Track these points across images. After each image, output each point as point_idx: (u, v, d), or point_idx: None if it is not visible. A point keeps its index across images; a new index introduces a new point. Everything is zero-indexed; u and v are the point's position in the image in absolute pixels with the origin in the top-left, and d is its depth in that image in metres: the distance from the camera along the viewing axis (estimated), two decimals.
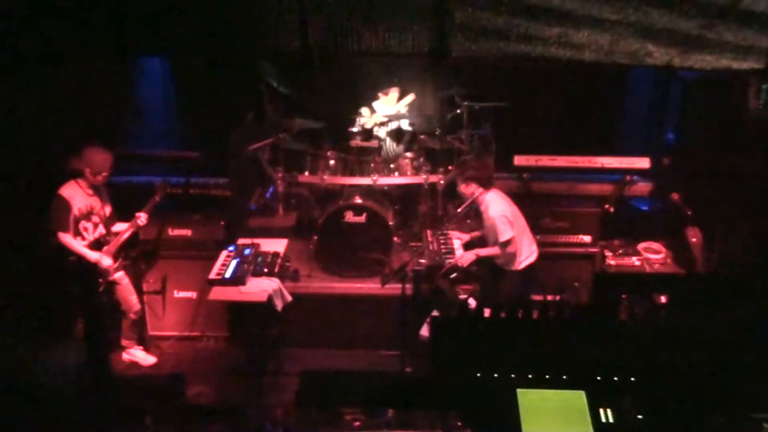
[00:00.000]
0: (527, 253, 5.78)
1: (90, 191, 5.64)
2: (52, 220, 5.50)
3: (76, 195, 5.55)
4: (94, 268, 5.57)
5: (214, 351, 6.45)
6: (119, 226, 5.82)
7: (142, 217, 5.76)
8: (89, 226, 5.64)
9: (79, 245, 5.56)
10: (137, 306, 6.02)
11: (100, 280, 5.62)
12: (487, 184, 5.76)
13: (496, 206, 5.66)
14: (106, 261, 5.63)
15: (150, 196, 5.86)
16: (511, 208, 5.74)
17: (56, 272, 5.64)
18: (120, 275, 5.85)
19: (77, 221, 5.56)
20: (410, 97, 7.62)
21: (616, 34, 5.32)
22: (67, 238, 5.51)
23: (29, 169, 6.20)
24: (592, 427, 3.30)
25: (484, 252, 5.83)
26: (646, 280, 6.21)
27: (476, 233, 6.17)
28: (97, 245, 5.69)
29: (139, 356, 6.16)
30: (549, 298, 6.05)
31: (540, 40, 5.36)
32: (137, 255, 6.15)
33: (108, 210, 5.81)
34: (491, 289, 5.92)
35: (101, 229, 5.73)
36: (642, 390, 3.45)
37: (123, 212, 5.93)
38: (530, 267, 5.81)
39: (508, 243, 5.64)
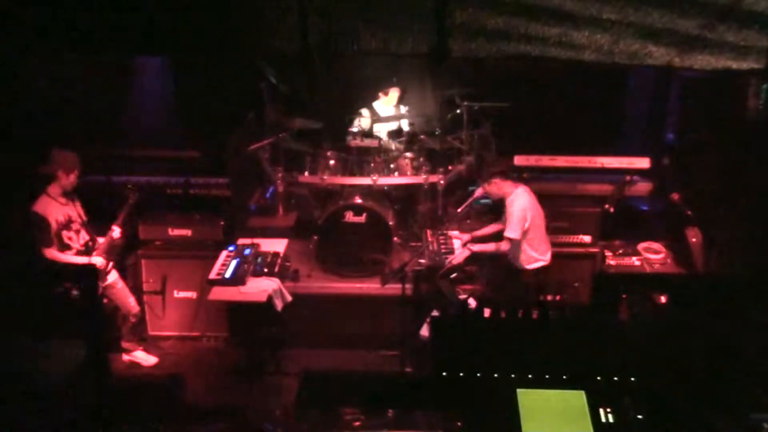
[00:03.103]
0: (540, 254, 5.78)
1: (63, 200, 5.55)
2: (33, 238, 5.46)
3: (50, 207, 5.47)
4: (89, 268, 5.55)
5: (214, 351, 6.45)
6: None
7: (116, 231, 5.71)
8: (72, 234, 5.59)
9: (65, 256, 5.50)
10: (136, 308, 6.02)
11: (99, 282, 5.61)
12: (508, 175, 5.78)
13: (521, 202, 5.67)
14: (97, 261, 5.60)
15: (125, 200, 5.87)
16: (535, 208, 5.75)
17: (54, 272, 5.63)
18: (114, 279, 5.84)
19: (59, 233, 5.49)
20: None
21: (616, 34, 5.32)
22: (51, 253, 5.45)
23: (27, 168, 6.19)
24: (592, 427, 3.29)
25: (476, 248, 5.83)
26: (646, 280, 6.20)
27: (476, 233, 6.17)
28: (85, 252, 5.66)
29: (140, 356, 6.16)
30: (549, 298, 6.06)
31: (540, 40, 5.36)
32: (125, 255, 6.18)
33: (83, 215, 5.74)
34: (499, 288, 5.93)
35: (84, 235, 5.69)
36: (642, 390, 3.45)
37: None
38: (540, 270, 5.81)
39: (509, 241, 5.65)
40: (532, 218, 5.70)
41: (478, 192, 6.04)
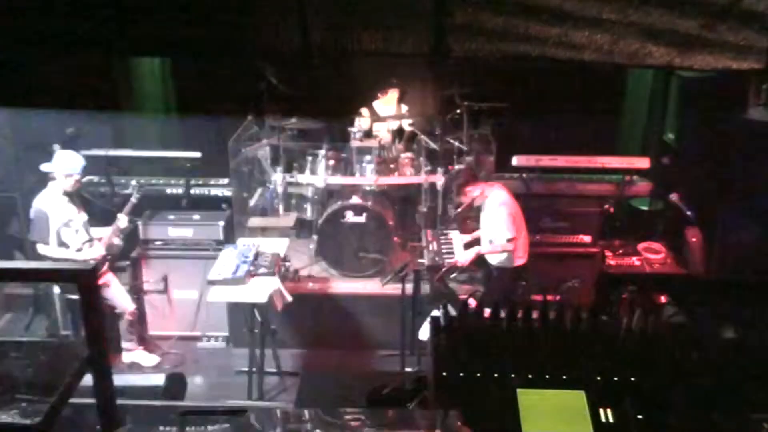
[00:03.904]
0: (522, 252, 5.80)
1: (64, 198, 5.57)
2: (31, 232, 5.47)
3: (52, 204, 5.49)
4: (88, 268, 5.54)
5: (214, 351, 6.45)
6: (99, 231, 5.79)
7: (122, 219, 5.74)
8: (71, 233, 5.60)
9: (59, 252, 5.50)
10: (132, 306, 6.03)
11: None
12: (477, 177, 5.80)
13: (503, 203, 5.68)
14: (89, 254, 5.60)
15: (128, 198, 5.91)
16: (516, 207, 5.77)
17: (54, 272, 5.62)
18: (108, 278, 5.84)
19: (58, 230, 5.50)
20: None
21: (616, 34, 5.32)
22: (45, 250, 5.46)
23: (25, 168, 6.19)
24: (592, 427, 3.29)
25: (484, 251, 5.83)
26: (646, 280, 6.21)
27: (477, 234, 6.17)
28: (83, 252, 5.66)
29: (140, 356, 6.16)
30: (549, 298, 6.05)
31: (540, 40, 5.35)
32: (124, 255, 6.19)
33: (84, 215, 5.75)
34: (485, 288, 5.94)
35: (83, 235, 5.69)
36: (642, 390, 3.45)
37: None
38: (522, 267, 5.82)
39: (509, 242, 5.65)
40: (513, 215, 5.72)
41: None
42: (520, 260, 5.81)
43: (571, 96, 7.98)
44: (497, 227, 5.67)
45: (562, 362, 3.54)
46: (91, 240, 5.70)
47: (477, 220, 7.12)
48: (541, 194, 7.00)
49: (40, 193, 5.52)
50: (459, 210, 6.05)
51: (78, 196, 5.73)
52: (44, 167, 5.55)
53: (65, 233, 5.54)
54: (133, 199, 5.87)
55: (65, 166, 5.49)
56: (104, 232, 5.77)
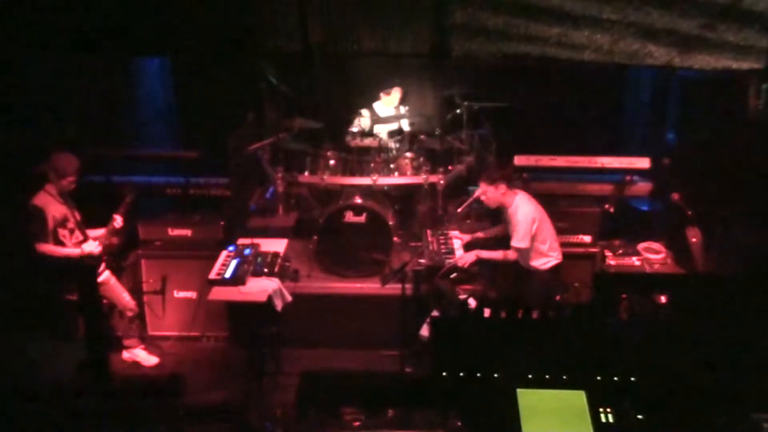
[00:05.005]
0: (552, 253, 5.78)
1: (60, 198, 5.57)
2: (29, 231, 5.48)
3: (49, 203, 5.50)
4: (88, 268, 5.56)
5: (214, 351, 6.45)
6: (94, 232, 5.81)
7: (117, 220, 5.75)
8: (66, 233, 5.61)
9: (58, 249, 5.52)
10: (131, 303, 6.04)
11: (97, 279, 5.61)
12: (511, 181, 5.78)
13: (525, 210, 5.66)
14: (88, 247, 5.62)
15: (123, 199, 5.88)
16: (539, 211, 5.75)
17: (53, 272, 5.63)
18: (106, 276, 5.85)
19: (55, 229, 5.51)
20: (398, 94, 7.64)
21: (616, 34, 5.32)
22: (45, 248, 5.47)
23: (26, 167, 6.20)
24: (592, 427, 3.30)
25: (485, 254, 5.82)
26: (646, 280, 6.20)
27: (478, 234, 6.17)
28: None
29: (141, 356, 6.16)
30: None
31: (540, 40, 5.36)
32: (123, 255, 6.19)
33: (78, 215, 5.74)
34: (512, 290, 5.91)
35: (78, 235, 5.70)
36: (642, 390, 3.45)
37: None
38: (554, 268, 5.80)
39: (517, 250, 5.65)
40: (539, 221, 5.70)
41: (478, 192, 6.04)
42: (548, 262, 5.77)
43: (571, 96, 8.00)
44: (513, 232, 5.68)
45: (562, 362, 3.55)
46: (86, 240, 5.71)
47: (477, 220, 7.14)
48: (541, 194, 7.01)
49: (37, 192, 5.53)
50: (460, 210, 6.04)
51: (74, 196, 5.73)
52: (40, 168, 5.56)
53: (61, 232, 5.56)
54: (129, 200, 5.87)
55: (57, 168, 5.51)
56: (100, 233, 5.78)
